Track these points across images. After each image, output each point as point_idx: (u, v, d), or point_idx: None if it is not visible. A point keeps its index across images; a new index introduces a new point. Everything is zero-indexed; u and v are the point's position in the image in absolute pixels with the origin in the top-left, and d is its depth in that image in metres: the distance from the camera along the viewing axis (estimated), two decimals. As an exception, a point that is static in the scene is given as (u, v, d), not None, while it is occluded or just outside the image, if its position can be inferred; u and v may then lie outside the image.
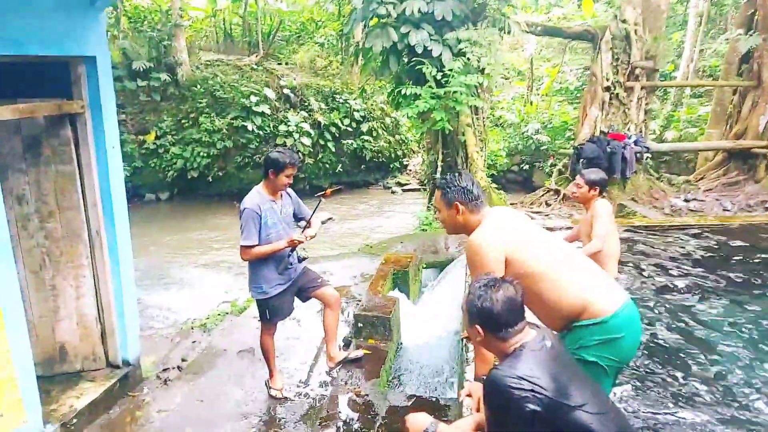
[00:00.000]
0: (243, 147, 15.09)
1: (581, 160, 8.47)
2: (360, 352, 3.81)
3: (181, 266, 9.80)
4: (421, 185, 16.29)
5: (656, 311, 4.42)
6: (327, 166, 16.01)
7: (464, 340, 3.13)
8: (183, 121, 15.36)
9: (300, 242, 3.36)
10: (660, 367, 3.60)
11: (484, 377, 2.21)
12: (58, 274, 3.46)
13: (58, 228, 3.40)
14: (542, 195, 8.69)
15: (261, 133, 15.03)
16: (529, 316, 2.06)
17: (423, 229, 7.52)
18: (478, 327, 1.85)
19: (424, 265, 5.93)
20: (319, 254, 7.59)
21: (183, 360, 4.67)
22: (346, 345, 4.31)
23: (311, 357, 4.25)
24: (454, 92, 7.47)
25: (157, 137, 15.39)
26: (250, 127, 14.68)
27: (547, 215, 7.52)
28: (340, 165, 16.35)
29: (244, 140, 15.01)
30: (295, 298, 3.70)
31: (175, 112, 15.67)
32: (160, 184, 15.67)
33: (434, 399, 3.18)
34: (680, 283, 5.00)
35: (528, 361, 1.78)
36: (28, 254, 3.39)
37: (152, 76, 15.29)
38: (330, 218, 12.75)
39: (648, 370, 3.56)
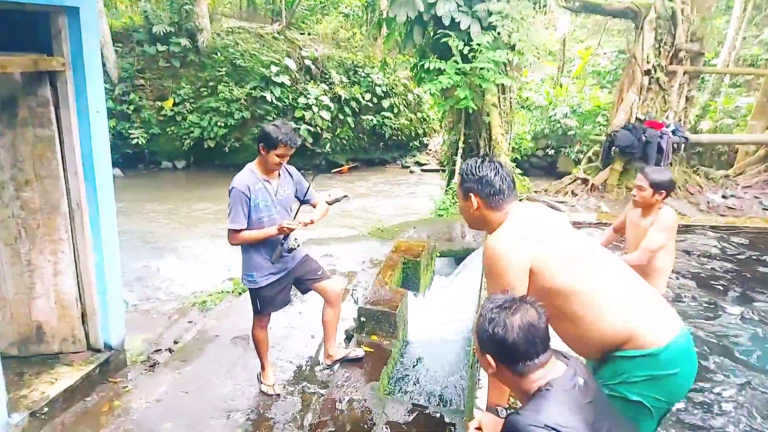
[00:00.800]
0: (261, 118, 14.76)
1: (614, 148, 7.93)
2: (360, 351, 3.47)
3: (192, 237, 9.66)
4: (441, 166, 15.81)
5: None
6: (345, 141, 15.61)
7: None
8: (202, 89, 15.08)
9: (290, 229, 2.98)
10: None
11: (498, 408, 1.85)
12: (35, 248, 3.16)
13: (35, 198, 3.09)
14: (569, 184, 8.19)
15: (279, 104, 14.66)
16: (555, 339, 1.69)
17: (439, 215, 7.12)
18: (489, 357, 1.50)
19: (438, 254, 5.55)
20: (327, 235, 7.27)
21: (175, 342, 4.42)
22: (348, 338, 3.98)
23: (310, 351, 3.94)
24: (481, 69, 6.96)
25: (174, 104, 15.17)
26: (269, 98, 14.32)
27: (572, 206, 7.05)
28: (358, 141, 15.93)
29: (262, 111, 14.67)
30: (294, 288, 3.37)
31: (194, 79, 15.39)
32: (177, 152, 15.51)
33: (438, 415, 2.83)
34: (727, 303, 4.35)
35: (557, 405, 1.41)
36: (2, 226, 3.10)
37: (172, 41, 14.99)
38: (345, 196, 12.42)
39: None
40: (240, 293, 5.73)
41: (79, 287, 3.31)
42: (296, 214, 3.13)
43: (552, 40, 19.96)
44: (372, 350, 3.55)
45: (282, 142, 2.87)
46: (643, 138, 7.68)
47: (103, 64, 14.99)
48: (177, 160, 15.86)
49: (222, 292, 5.79)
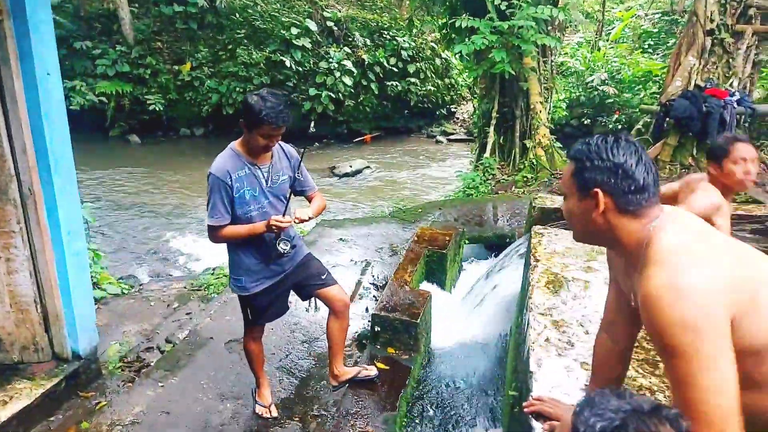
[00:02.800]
0: (280, 84, 14.08)
1: (668, 119, 7.02)
2: (373, 370, 2.87)
3: None
4: (469, 136, 14.94)
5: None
6: (368, 109, 14.82)
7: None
8: (220, 52, 14.46)
9: (281, 227, 2.37)
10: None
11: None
12: (-19, 242, 2.62)
13: (-24, 181, 2.53)
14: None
15: (300, 69, 13.91)
16: None
17: (468, 194, 6.40)
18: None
19: (466, 240, 4.88)
20: (343, 214, 6.66)
21: (167, 341, 3.91)
22: (360, 345, 3.39)
23: (317, 361, 3.36)
24: (520, 27, 6.12)
25: (192, 68, 14.60)
26: (288, 63, 13.57)
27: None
28: (382, 108, 15.12)
29: (282, 76, 13.98)
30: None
31: (212, 42, 14.77)
32: (195, 118, 15.05)
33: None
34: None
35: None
36: (-61, 214, 2.55)
37: (190, 2, 14.33)
38: (366, 167, 11.75)
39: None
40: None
41: (38, 288, 2.77)
42: (286, 208, 2.49)
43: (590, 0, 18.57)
44: (387, 367, 2.95)
45: (267, 119, 2.22)
46: (704, 108, 6.74)
47: (119, 26, 14.49)
48: (195, 127, 15.41)
49: (226, 276, 5.28)
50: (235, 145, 2.45)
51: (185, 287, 5.40)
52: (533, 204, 3.68)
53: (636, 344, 2.02)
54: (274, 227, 2.35)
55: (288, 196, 2.54)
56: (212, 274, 5.70)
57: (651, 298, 1.11)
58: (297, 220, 2.41)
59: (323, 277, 2.69)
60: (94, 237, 7.69)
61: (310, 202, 2.68)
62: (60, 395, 2.83)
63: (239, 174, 2.38)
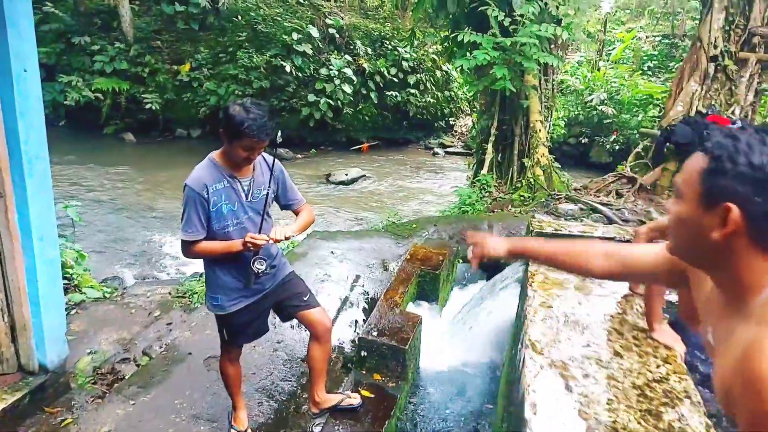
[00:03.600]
0: (280, 89, 13.99)
1: (668, 144, 6.94)
2: (357, 399, 2.72)
3: None
4: (466, 149, 14.86)
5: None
6: (367, 118, 14.73)
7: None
8: (220, 54, 14.37)
9: (257, 245, 2.21)
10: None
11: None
12: (-55, 246, 2.46)
13: (-57, 181, 2.37)
14: (612, 182, 7.26)
15: (300, 75, 13.82)
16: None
17: (463, 211, 6.28)
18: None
19: (460, 260, 4.74)
20: (335, 224, 6.51)
21: (144, 353, 3.74)
22: (346, 368, 3.24)
23: (299, 383, 3.20)
24: (523, 45, 6.03)
25: (191, 69, 14.50)
26: (288, 68, 13.47)
27: (617, 209, 6.15)
28: (381, 118, 15.03)
29: (282, 81, 13.89)
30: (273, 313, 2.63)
31: (212, 43, 14.69)
32: (192, 119, 14.92)
33: None
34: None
35: None
36: None
37: (192, 2, 14.27)
38: (362, 175, 11.63)
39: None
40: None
41: (6, 296, 2.61)
42: (261, 224, 2.32)
43: (592, 20, 18.66)
44: (372, 395, 2.80)
45: (248, 132, 2.09)
46: (705, 134, 6.67)
47: (119, 23, 14.36)
48: (192, 129, 15.29)
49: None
50: (215, 155, 2.32)
51: (170, 293, 5.24)
52: (531, 227, 3.55)
53: (638, 392, 1.89)
54: (249, 245, 2.20)
55: (266, 211, 2.39)
56: (198, 280, 5.55)
57: (760, 380, 0.80)
58: (272, 240, 2.24)
59: (305, 298, 2.55)
60: (80, 236, 7.52)
61: (296, 215, 2.56)
62: (23, 410, 2.66)
63: (217, 187, 2.24)
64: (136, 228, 8.40)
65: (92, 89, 13.70)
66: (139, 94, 14.20)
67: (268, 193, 2.38)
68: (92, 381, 3.37)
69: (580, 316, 2.39)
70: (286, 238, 2.30)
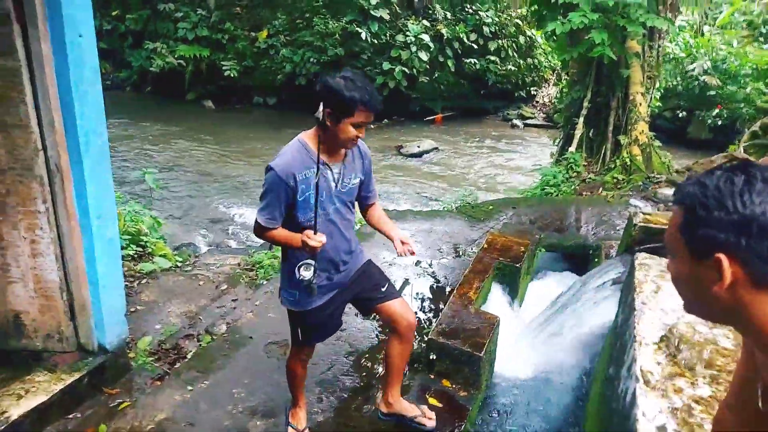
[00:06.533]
0: (355, 56, 13.68)
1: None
2: (432, 422, 2.36)
3: None
4: (548, 122, 13.93)
5: None
6: (442, 87, 14.14)
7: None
8: (297, 20, 14.24)
9: (312, 248, 1.93)
10: None
11: None
12: (6, 221, 2.39)
13: (1, 153, 2.27)
14: (722, 164, 6.35)
15: (375, 42, 13.41)
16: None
17: (547, 192, 5.73)
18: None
19: (542, 249, 4.29)
20: (404, 200, 6.19)
21: (207, 332, 3.66)
22: (412, 369, 2.95)
23: (363, 378, 2.97)
24: (626, 5, 5.29)
25: (269, 35, 14.48)
26: (364, 35, 13.09)
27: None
28: (457, 87, 14.37)
29: (357, 49, 13.57)
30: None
31: (290, 9, 14.57)
32: (269, 87, 15.02)
33: None
34: None
35: None
36: (-39, 187, 2.33)
37: (270, -34, 14.15)
38: (435, 148, 11.19)
39: None
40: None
41: (65, 274, 2.53)
42: (315, 221, 1.98)
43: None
44: (441, 405, 2.50)
45: (362, 103, 1.85)
46: None
47: (200, -11, 14.56)
48: (268, 96, 15.41)
49: (277, 258, 5.01)
50: (306, 138, 2.04)
51: (239, 264, 5.21)
52: (633, 221, 3.05)
53: None
54: (309, 243, 1.92)
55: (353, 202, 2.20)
56: (269, 251, 5.49)
57: None
58: (410, 253, 2.10)
59: (383, 288, 2.27)
60: (158, 203, 7.74)
61: (366, 212, 2.32)
62: (82, 391, 2.61)
63: (306, 174, 1.98)
64: (211, 195, 8.55)
65: (176, 56, 14.05)
66: (219, 61, 14.41)
67: (360, 180, 2.17)
68: (156, 357, 3.33)
69: (711, 343, 1.94)
70: (412, 254, 2.13)
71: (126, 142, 10.47)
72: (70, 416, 2.54)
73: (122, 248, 4.53)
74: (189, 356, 3.17)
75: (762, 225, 0.81)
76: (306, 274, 1.96)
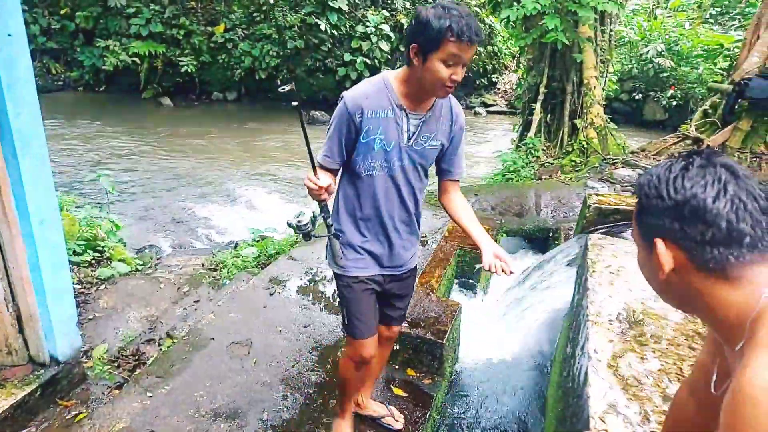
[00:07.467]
0: (315, 48, 13.55)
1: (741, 100, 6.19)
2: (399, 424, 2.32)
3: (239, 179, 9.07)
4: (511, 109, 14.09)
5: None
6: (405, 77, 14.12)
7: None
8: (255, 13, 13.98)
9: (313, 191, 1.66)
10: None
11: None
12: (-60, 232, 2.26)
13: (-70, 162, 2.15)
14: (674, 143, 6.55)
15: (335, 33, 13.30)
16: None
17: (507, 178, 5.80)
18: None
19: (503, 234, 4.34)
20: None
21: (168, 336, 3.59)
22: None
23: (333, 374, 2.95)
24: (578, -9, 5.38)
25: (226, 30, 14.19)
26: (323, 26, 12.96)
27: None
28: (420, 77, 14.41)
29: (317, 40, 13.43)
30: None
31: (246, 2, 14.27)
32: (228, 82, 14.77)
33: None
34: None
35: None
36: None
37: (223, -41, 13.83)
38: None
39: None
40: (263, 261, 4.86)
41: (9, 284, 2.42)
42: (317, 169, 1.68)
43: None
44: (406, 394, 2.51)
45: (452, 31, 1.53)
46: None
47: (153, -16, 14.11)
48: (228, 91, 15.15)
49: (240, 257, 4.94)
50: (390, 75, 1.76)
51: (202, 264, 5.11)
52: (588, 202, 3.11)
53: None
54: (313, 187, 1.64)
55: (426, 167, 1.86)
56: (233, 250, 5.40)
57: (741, 397, 0.74)
58: (507, 272, 1.75)
59: (402, 312, 2.13)
60: (119, 205, 7.51)
61: (444, 193, 1.98)
62: (35, 404, 2.51)
63: (377, 114, 1.70)
64: (173, 195, 8.36)
65: (129, 53, 13.63)
66: (175, 57, 14.05)
67: (443, 146, 1.84)
68: (115, 365, 3.24)
69: (660, 319, 1.99)
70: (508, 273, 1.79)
71: (80, 144, 10.13)
72: (24, 431, 2.45)
73: (78, 254, 4.39)
74: (148, 363, 3.09)
75: (693, 209, 0.83)
76: (295, 220, 1.72)
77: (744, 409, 0.74)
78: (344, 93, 1.73)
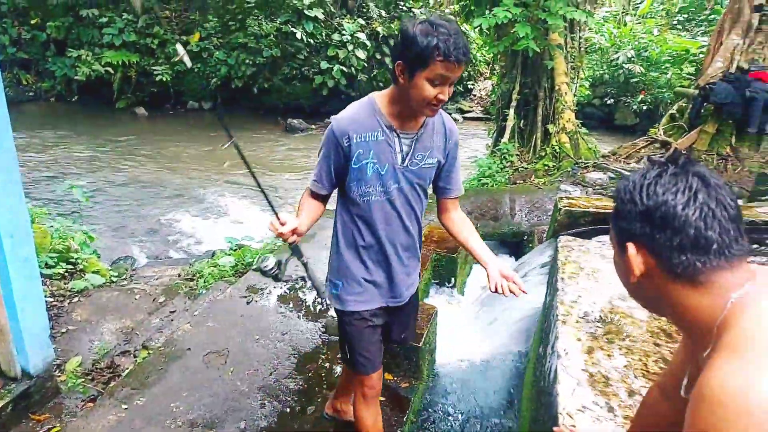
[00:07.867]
0: (291, 57, 13.56)
1: (706, 104, 6.39)
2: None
3: (215, 188, 9.00)
4: (486, 115, 14.29)
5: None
6: (381, 84, 14.21)
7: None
8: (230, 22, 13.95)
9: (281, 234, 1.61)
10: None
11: None
12: None
13: None
14: (643, 147, 6.74)
15: (312, 41, 13.33)
16: None
17: (483, 183, 5.89)
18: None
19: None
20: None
21: (143, 347, 3.55)
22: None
23: (310, 381, 2.96)
24: (547, 0, 5.51)
25: (201, 39, 14.12)
26: (299, 34, 12.98)
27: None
28: (396, 84, 14.53)
29: (293, 49, 13.44)
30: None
31: (221, 11, 14.26)
32: (203, 91, 14.66)
33: None
34: None
35: None
36: None
37: (197, -32, 13.78)
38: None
39: None
40: (240, 269, 4.83)
41: (-22, 298, 2.38)
42: (272, 207, 1.68)
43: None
44: (384, 398, 2.53)
45: (439, 50, 1.47)
46: (747, 93, 6.10)
47: (126, -7, 13.98)
48: (203, 100, 15.03)
49: (217, 267, 4.90)
50: (377, 96, 1.71)
51: (178, 274, 5.07)
52: (558, 205, 3.18)
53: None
54: (278, 231, 1.59)
55: (425, 187, 1.79)
56: (210, 260, 5.36)
57: (706, 399, 0.76)
58: (515, 293, 1.66)
59: (404, 337, 2.07)
60: (93, 215, 7.40)
61: (444, 211, 1.91)
62: (7, 419, 2.47)
63: (365, 138, 1.64)
64: (148, 205, 8.26)
65: (102, 63, 13.45)
66: (149, 67, 13.92)
67: (439, 163, 1.77)
68: (90, 378, 3.19)
69: (627, 317, 2.05)
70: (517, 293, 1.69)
71: (51, 156, 9.95)
72: (-6, 448, 2.41)
73: (50, 267, 4.32)
74: (123, 375, 3.06)
75: (663, 215, 0.85)
76: (264, 265, 1.69)
77: (707, 411, 0.76)
78: (332, 117, 1.69)
